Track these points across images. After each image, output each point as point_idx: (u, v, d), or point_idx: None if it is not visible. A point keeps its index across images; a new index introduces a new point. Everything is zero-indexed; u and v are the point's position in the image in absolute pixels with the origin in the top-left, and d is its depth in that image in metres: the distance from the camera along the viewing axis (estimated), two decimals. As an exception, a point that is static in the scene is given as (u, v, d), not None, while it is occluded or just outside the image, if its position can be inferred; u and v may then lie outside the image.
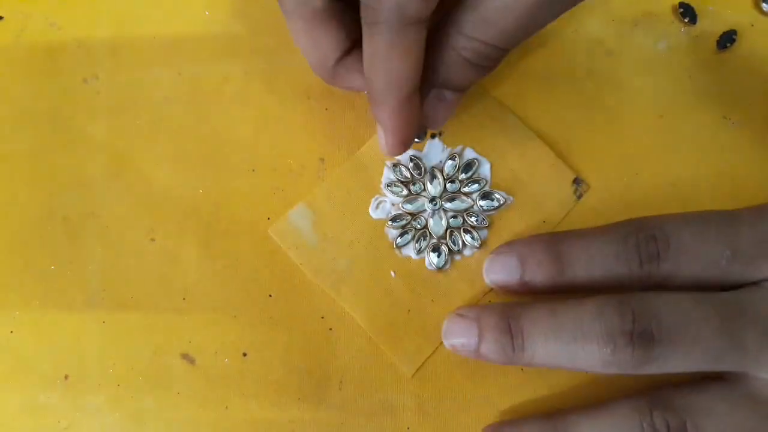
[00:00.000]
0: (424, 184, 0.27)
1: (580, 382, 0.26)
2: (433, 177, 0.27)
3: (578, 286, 0.24)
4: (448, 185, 0.27)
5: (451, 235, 0.27)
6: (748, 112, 0.28)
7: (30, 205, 0.28)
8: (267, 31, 0.29)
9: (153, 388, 0.26)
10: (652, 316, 0.23)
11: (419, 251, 0.27)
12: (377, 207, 0.27)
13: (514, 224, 0.27)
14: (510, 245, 0.26)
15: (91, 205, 0.28)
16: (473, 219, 0.27)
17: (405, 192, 0.27)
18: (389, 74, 0.22)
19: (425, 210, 0.27)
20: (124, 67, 0.29)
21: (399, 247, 0.27)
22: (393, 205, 0.27)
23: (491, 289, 0.26)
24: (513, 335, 0.24)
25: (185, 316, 0.27)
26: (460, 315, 0.25)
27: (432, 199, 0.27)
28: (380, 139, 0.25)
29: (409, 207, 0.27)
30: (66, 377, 0.27)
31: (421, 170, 0.27)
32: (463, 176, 0.27)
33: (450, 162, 0.27)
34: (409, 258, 0.27)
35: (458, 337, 0.25)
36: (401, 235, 0.27)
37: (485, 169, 0.27)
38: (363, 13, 0.22)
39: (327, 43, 0.23)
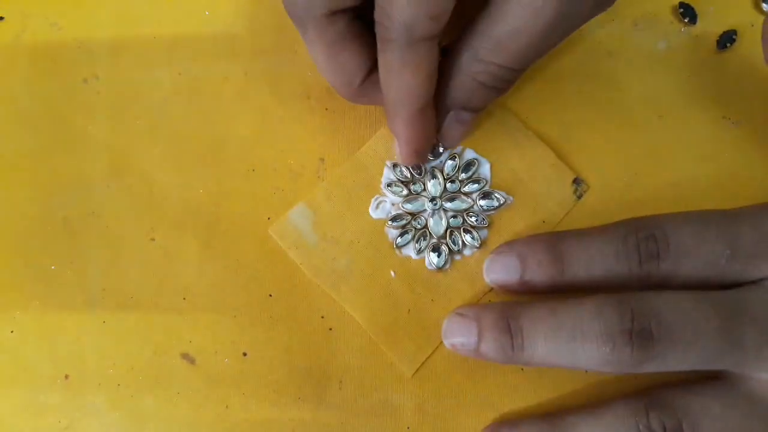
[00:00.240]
0: (424, 184, 0.27)
1: (579, 382, 0.26)
2: (433, 177, 0.27)
3: (578, 285, 0.24)
4: (448, 185, 0.27)
5: (451, 234, 0.27)
6: (748, 112, 0.28)
7: (30, 205, 0.28)
8: (267, 31, 0.29)
9: (153, 388, 0.26)
10: (651, 315, 0.23)
11: (419, 251, 0.27)
12: (377, 207, 0.27)
13: (514, 224, 0.27)
14: (510, 245, 0.26)
15: (91, 205, 0.28)
16: (473, 219, 0.27)
17: (405, 192, 0.27)
18: (401, 89, 0.23)
19: (425, 210, 0.27)
20: (124, 67, 0.29)
21: (399, 246, 0.27)
22: (393, 204, 0.27)
23: (491, 289, 0.26)
24: (512, 334, 0.24)
25: (185, 316, 0.27)
26: (460, 314, 0.25)
27: (432, 199, 0.27)
28: (396, 148, 0.26)
29: (409, 207, 0.27)
30: (66, 377, 0.27)
31: (421, 170, 0.27)
32: (463, 176, 0.27)
33: (450, 162, 0.27)
34: (409, 258, 0.27)
35: (458, 336, 0.25)
36: (401, 234, 0.27)
37: (485, 169, 0.27)
38: (376, 29, 0.22)
39: (352, 65, 0.24)
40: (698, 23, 0.29)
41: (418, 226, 0.27)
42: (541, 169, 0.27)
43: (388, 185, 0.27)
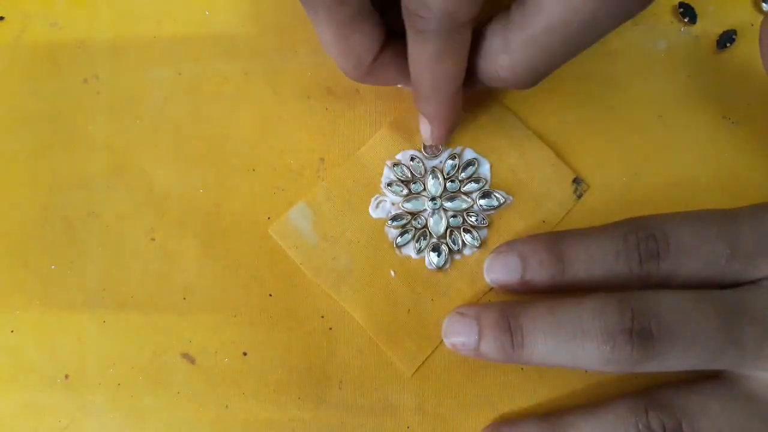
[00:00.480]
0: (424, 184, 0.27)
1: (579, 382, 0.26)
2: (434, 176, 0.27)
3: (579, 285, 0.24)
4: (448, 185, 0.27)
5: (451, 234, 0.27)
6: (748, 112, 0.28)
7: (30, 205, 0.28)
8: (267, 31, 0.29)
9: (153, 388, 0.26)
10: (651, 314, 0.23)
11: (419, 251, 0.27)
12: (377, 206, 0.27)
13: (514, 224, 0.27)
14: (511, 244, 0.26)
15: (91, 205, 0.28)
16: (473, 218, 0.27)
17: (405, 191, 0.27)
18: (438, 75, 0.23)
19: (425, 209, 0.27)
20: (124, 67, 0.29)
21: (399, 246, 0.27)
22: (393, 204, 0.27)
23: (491, 289, 0.26)
24: (512, 333, 0.24)
25: (185, 315, 0.27)
26: (460, 313, 0.25)
27: (432, 199, 0.27)
28: (423, 131, 0.27)
29: (409, 206, 0.27)
30: (66, 377, 0.27)
31: (421, 170, 0.27)
32: (463, 176, 0.27)
33: (450, 161, 0.27)
34: (409, 257, 0.27)
35: (458, 335, 0.25)
36: (401, 234, 0.27)
37: (485, 169, 0.27)
38: (409, 21, 0.22)
39: (362, 46, 0.23)
40: (698, 23, 0.29)
41: (418, 226, 0.27)
42: (541, 169, 0.27)
43: (388, 185, 0.27)
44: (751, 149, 0.28)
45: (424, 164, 0.27)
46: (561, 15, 0.21)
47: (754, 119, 0.28)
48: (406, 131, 0.28)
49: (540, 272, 0.24)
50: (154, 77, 0.29)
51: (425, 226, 0.27)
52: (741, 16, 0.29)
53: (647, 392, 0.24)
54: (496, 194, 0.27)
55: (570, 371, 0.26)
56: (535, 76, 0.23)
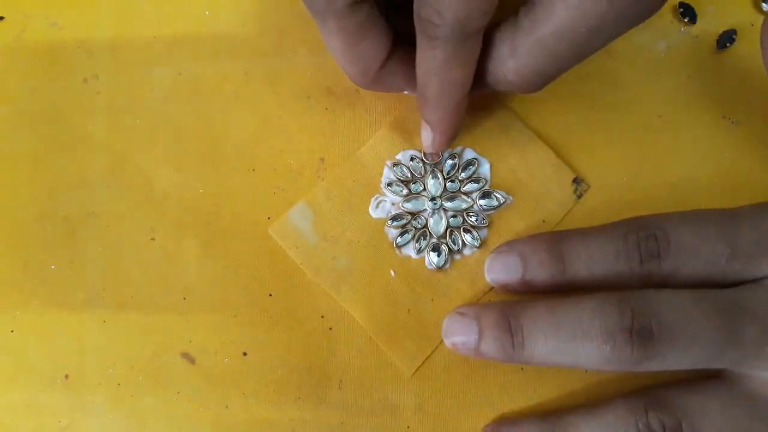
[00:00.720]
0: (424, 184, 0.27)
1: (579, 382, 0.26)
2: (434, 176, 0.27)
3: (579, 284, 0.24)
4: (448, 185, 0.27)
5: (451, 234, 0.27)
6: (748, 112, 0.28)
7: (30, 205, 0.28)
8: (267, 31, 0.29)
9: (153, 388, 0.26)
10: (651, 313, 0.23)
11: (419, 251, 0.27)
12: (377, 206, 0.27)
13: (514, 224, 0.27)
14: (511, 244, 0.26)
15: (91, 205, 0.28)
16: (473, 218, 0.27)
17: (405, 191, 0.27)
18: (445, 82, 0.23)
19: (425, 209, 0.27)
20: (124, 67, 0.29)
21: (399, 246, 0.27)
22: (393, 204, 0.27)
23: (491, 289, 0.26)
24: (513, 333, 0.24)
25: (185, 315, 0.27)
26: (461, 313, 0.25)
27: (432, 199, 0.27)
28: (425, 138, 0.26)
29: (409, 206, 0.27)
30: (66, 377, 0.27)
31: (421, 170, 0.27)
32: (463, 176, 0.27)
33: (450, 161, 0.27)
34: (409, 257, 0.27)
35: (458, 335, 0.25)
36: (401, 234, 0.27)
37: (485, 169, 0.27)
38: (420, 26, 0.22)
39: (370, 54, 0.23)
40: (698, 23, 0.29)
41: (418, 226, 0.27)
42: (541, 169, 0.27)
43: (388, 185, 0.27)
44: (751, 149, 0.28)
45: (424, 164, 0.27)
46: (570, 20, 0.21)
47: (754, 119, 0.28)
48: (406, 131, 0.28)
49: (540, 272, 0.25)
50: (154, 77, 0.29)
51: (425, 226, 0.27)
52: (741, 16, 0.29)
53: (647, 392, 0.24)
54: (496, 194, 0.27)
55: (570, 371, 0.26)
56: (543, 80, 0.23)
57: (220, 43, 0.29)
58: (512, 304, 0.24)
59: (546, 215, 0.27)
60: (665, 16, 0.29)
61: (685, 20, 0.29)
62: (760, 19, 0.29)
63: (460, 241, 0.27)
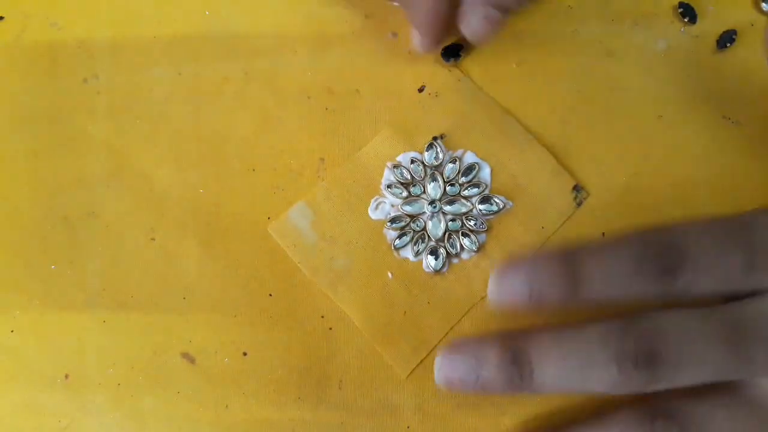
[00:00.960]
0: (424, 187, 0.27)
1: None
2: (434, 180, 0.27)
3: (593, 302, 0.23)
4: (448, 188, 0.27)
5: (449, 238, 0.27)
6: (748, 112, 0.28)
7: (30, 205, 0.28)
8: (267, 31, 0.29)
9: (153, 388, 0.26)
10: (658, 337, 0.22)
11: (417, 253, 0.27)
12: (376, 208, 0.27)
13: (513, 229, 0.27)
14: (519, 263, 0.24)
15: (91, 205, 0.28)
16: (472, 223, 0.27)
17: (405, 194, 0.27)
18: None
19: (424, 212, 0.27)
20: (124, 67, 0.29)
21: (397, 248, 0.27)
22: (392, 206, 0.27)
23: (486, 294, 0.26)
24: (520, 365, 0.23)
25: (185, 315, 0.27)
26: (456, 350, 0.24)
27: (431, 202, 0.27)
28: (413, 39, 0.28)
29: (408, 209, 0.27)
30: (66, 377, 0.27)
31: (421, 173, 0.27)
32: (463, 180, 0.27)
33: (450, 165, 0.27)
34: (406, 260, 0.27)
35: (456, 372, 0.24)
36: (400, 236, 0.27)
37: (485, 173, 0.27)
38: None
39: None
40: (698, 23, 0.29)
41: (417, 229, 0.27)
42: (541, 175, 0.27)
43: (388, 186, 0.27)
44: (751, 149, 0.28)
45: (424, 167, 0.27)
46: None
47: (754, 119, 0.28)
48: (407, 133, 0.28)
49: (551, 292, 0.23)
50: (154, 77, 0.29)
51: (424, 228, 0.27)
52: (741, 16, 0.29)
53: (653, 401, 0.24)
54: (496, 199, 0.27)
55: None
56: None
57: (220, 43, 0.29)
58: (512, 336, 0.23)
59: (545, 222, 0.27)
60: (665, 16, 0.29)
61: (685, 20, 0.29)
62: (760, 19, 0.29)
63: (458, 245, 0.27)
